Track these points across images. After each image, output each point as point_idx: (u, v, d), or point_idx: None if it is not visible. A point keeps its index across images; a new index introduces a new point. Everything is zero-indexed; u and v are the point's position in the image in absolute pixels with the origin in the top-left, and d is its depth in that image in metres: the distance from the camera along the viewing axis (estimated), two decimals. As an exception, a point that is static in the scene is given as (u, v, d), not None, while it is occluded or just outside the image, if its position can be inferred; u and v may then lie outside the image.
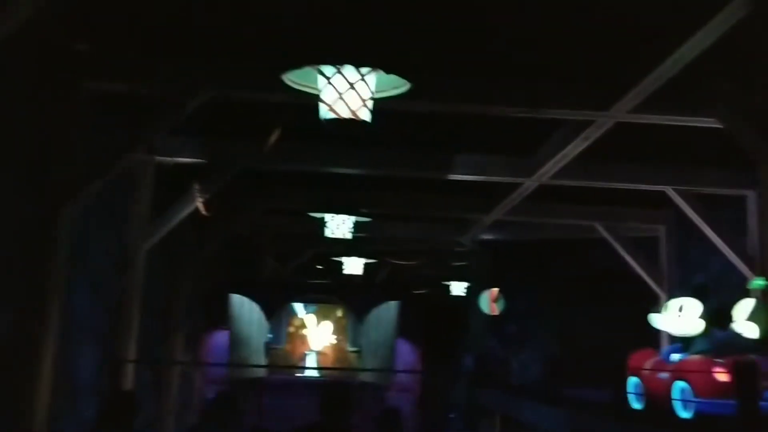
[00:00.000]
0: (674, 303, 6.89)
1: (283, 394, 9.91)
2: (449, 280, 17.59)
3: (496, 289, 13.62)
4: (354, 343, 10.85)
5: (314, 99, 4.81)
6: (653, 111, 6.15)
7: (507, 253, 14.52)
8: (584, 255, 13.66)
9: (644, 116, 6.34)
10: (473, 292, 14.52)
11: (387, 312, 10.68)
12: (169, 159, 8.00)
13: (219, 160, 8.21)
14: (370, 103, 4.73)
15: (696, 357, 6.40)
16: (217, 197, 8.90)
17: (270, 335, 10.57)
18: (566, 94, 6.24)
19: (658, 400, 6.36)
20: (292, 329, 11.27)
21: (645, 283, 11.79)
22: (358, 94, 4.67)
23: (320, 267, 16.19)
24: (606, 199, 11.09)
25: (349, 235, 9.95)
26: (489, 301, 13.70)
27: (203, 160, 8.11)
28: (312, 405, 4.54)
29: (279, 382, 10.34)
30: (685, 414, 6.09)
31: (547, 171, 8.53)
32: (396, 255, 15.07)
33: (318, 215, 10.12)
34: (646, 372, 6.80)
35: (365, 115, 4.72)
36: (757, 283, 7.15)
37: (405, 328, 10.88)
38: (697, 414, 5.93)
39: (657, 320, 7.16)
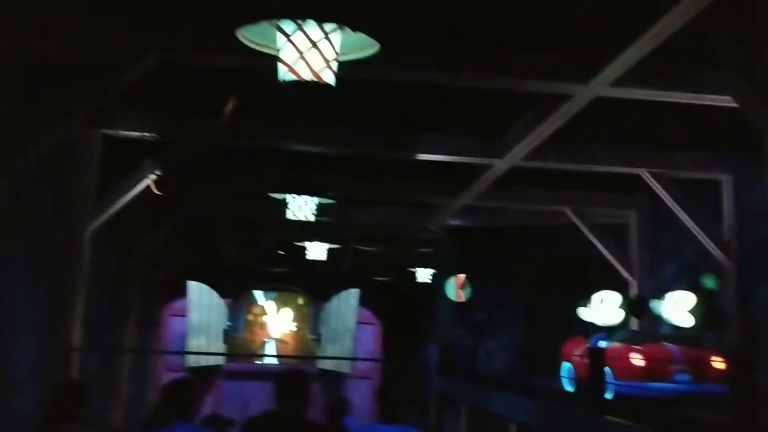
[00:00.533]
0: (597, 296, 7.63)
1: (241, 381, 9.72)
2: (415, 267, 17.26)
3: (462, 276, 13.26)
4: (314, 331, 10.62)
5: (273, 60, 4.27)
6: (638, 84, 5.71)
7: (474, 239, 14.16)
8: (553, 242, 13.38)
9: (628, 90, 5.93)
10: (439, 279, 14.14)
11: (347, 300, 10.54)
12: (116, 132, 7.41)
13: (171, 135, 7.63)
14: (334, 65, 4.21)
15: (616, 344, 6.99)
16: (171, 176, 8.34)
17: (229, 323, 10.38)
18: (545, 65, 5.81)
19: (586, 382, 6.76)
20: (251, 317, 11.07)
21: (615, 270, 11.56)
22: (322, 54, 4.14)
23: (282, 253, 15.64)
24: (577, 184, 10.77)
25: (311, 218, 9.46)
26: (456, 288, 13.34)
27: (154, 135, 7.52)
28: (270, 393, 4.43)
29: (237, 369, 10.10)
30: (608, 395, 6.55)
31: (519, 152, 8.14)
32: (361, 241, 14.60)
33: (279, 196, 9.60)
34: (576, 358, 7.34)
35: (329, 78, 4.19)
36: (708, 281, 7.47)
37: (366, 315, 10.74)
38: (617, 395, 6.49)
39: (583, 312, 7.80)
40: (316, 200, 9.46)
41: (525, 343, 11.45)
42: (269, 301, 11.00)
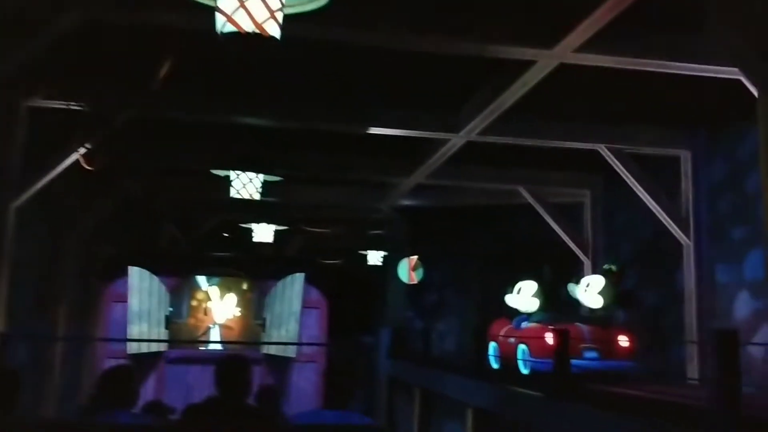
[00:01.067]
0: (517, 286, 8.18)
1: (184, 367, 9.52)
2: (365, 249, 16.91)
3: (415, 257, 12.93)
4: (259, 316, 10.26)
5: (213, 13, 3.86)
6: (603, 51, 5.39)
7: (426, 219, 13.84)
8: (508, 222, 13.15)
9: (594, 57, 5.61)
10: (390, 261, 13.79)
11: (293, 284, 10.10)
12: (39, 102, 6.77)
13: (100, 105, 7.02)
14: (279, 16, 3.85)
15: (534, 325, 7.57)
16: (103, 150, 7.72)
17: (171, 309, 9.97)
18: (506, 29, 5.44)
19: (508, 360, 7.53)
20: (194, 302, 10.54)
21: (570, 250, 11.38)
22: (265, 3, 3.78)
23: (226, 235, 15.07)
24: (531, 162, 10.53)
25: (257, 196, 8.96)
26: (408, 270, 13.01)
27: (82, 105, 6.90)
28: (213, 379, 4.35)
29: (180, 355, 9.81)
30: (525, 371, 7.19)
31: (477, 125, 7.81)
32: (309, 222, 14.14)
33: (222, 173, 9.07)
34: (501, 338, 8.02)
35: (273, 30, 3.82)
36: (608, 266, 7.93)
37: (312, 299, 10.32)
38: (533, 371, 7.03)
39: (507, 299, 8.33)
40: (261, 177, 8.96)
41: (478, 325, 11.17)
42: (213, 286, 10.56)
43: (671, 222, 8.33)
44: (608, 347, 7.25)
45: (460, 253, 14.06)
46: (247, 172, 8.78)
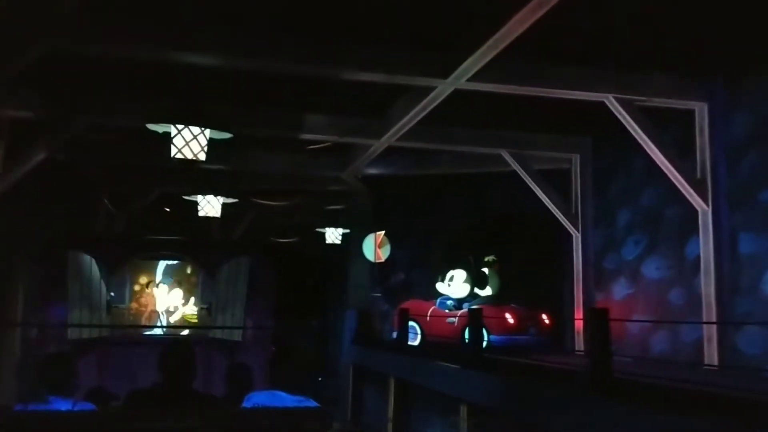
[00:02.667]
0: (449, 274, 9.64)
1: (126, 353, 9.31)
2: (324, 226, 15.57)
3: (381, 233, 11.64)
4: (204, 300, 10.03)
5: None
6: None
7: (392, 191, 12.60)
8: (483, 193, 11.97)
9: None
10: (353, 238, 12.48)
11: (238, 267, 9.89)
12: None
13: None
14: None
15: (482, 307, 8.02)
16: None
17: (112, 293, 9.76)
18: None
19: (442, 338, 8.74)
20: (137, 287, 10.26)
21: (554, 223, 10.29)
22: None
23: (168, 210, 13.54)
24: (515, 124, 9.37)
25: (202, 156, 7.52)
26: (373, 247, 11.73)
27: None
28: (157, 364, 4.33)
29: (122, 341, 9.54)
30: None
31: (467, 69, 6.55)
32: (262, 194, 12.71)
33: (160, 129, 7.59)
34: (430, 318, 9.26)
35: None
36: (490, 258, 9.65)
37: (259, 282, 9.99)
38: (489, 344, 8.09)
39: (438, 287, 9.70)
40: (207, 134, 7.53)
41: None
42: (156, 270, 10.26)
43: (685, 185, 7.24)
44: (539, 325, 9.02)
45: (430, 228, 12.85)
46: (190, 127, 7.34)
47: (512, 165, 9.58)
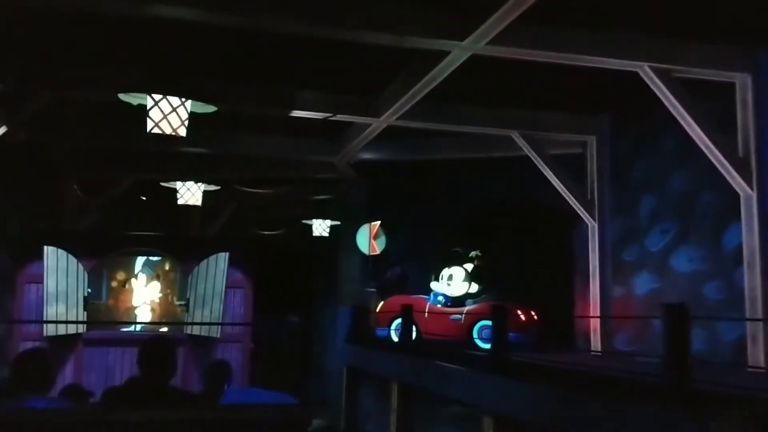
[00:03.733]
0: (445, 272, 9.18)
1: (103, 350, 9.26)
2: (311, 218, 14.71)
3: (377, 224, 10.78)
4: (182, 296, 9.82)
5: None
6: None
7: (386, 178, 11.74)
8: (488, 181, 11.14)
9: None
10: (346, 229, 11.61)
11: (216, 263, 9.63)
12: None
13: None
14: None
15: (488, 303, 8.13)
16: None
17: (89, 290, 9.50)
18: None
19: (442, 336, 8.21)
20: (114, 283, 10.06)
21: (562, 213, 9.53)
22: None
23: (144, 198, 12.58)
24: (527, 102, 8.55)
25: (182, 132, 6.64)
26: (368, 239, 10.87)
27: None
28: (134, 360, 4.26)
29: (99, 337, 9.42)
30: (487, 345, 7.42)
31: (485, 32, 5.70)
32: (247, 182, 11.80)
33: (134, 100, 6.69)
34: (427, 315, 8.82)
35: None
36: (474, 253, 9.15)
37: (237, 279, 9.76)
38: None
39: (434, 286, 9.22)
40: (188, 105, 6.64)
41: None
42: (134, 266, 10.03)
43: (726, 165, 6.46)
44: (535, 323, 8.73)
45: (426, 219, 11.99)
46: (168, 98, 6.46)
47: (523, 148, 8.76)
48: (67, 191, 11.69)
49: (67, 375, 8.66)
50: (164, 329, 9.67)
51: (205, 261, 9.53)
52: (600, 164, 8.79)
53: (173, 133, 6.57)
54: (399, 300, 9.49)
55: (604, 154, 8.80)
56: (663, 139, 7.89)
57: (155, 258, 9.88)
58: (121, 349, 9.10)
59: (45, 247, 9.12)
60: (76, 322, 9.06)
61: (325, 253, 17.81)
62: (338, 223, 14.78)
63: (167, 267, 9.90)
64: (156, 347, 4.26)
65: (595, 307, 8.63)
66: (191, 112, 6.75)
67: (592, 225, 8.76)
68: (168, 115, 6.53)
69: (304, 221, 15.02)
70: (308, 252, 17.86)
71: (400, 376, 7.23)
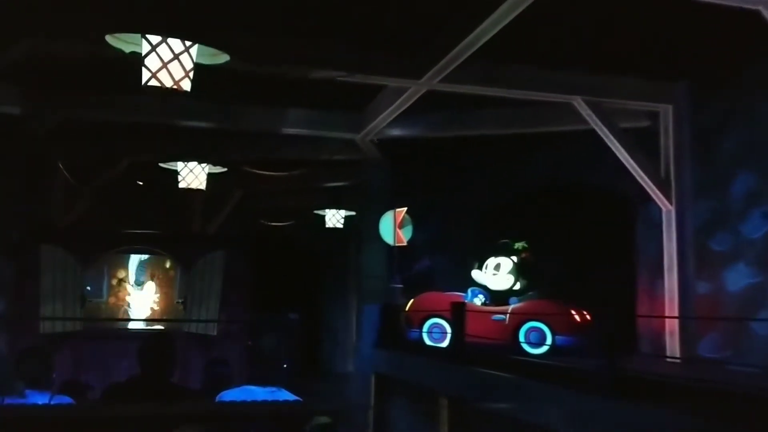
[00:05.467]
0: (491, 261, 8.00)
1: (102, 347, 9.47)
2: (324, 207, 13.36)
3: (402, 211, 9.43)
4: (181, 294, 10.03)
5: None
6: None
7: (416, 160, 10.41)
8: (534, 159, 9.80)
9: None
10: (368, 217, 10.25)
11: (213, 261, 10.06)
12: None
13: None
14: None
15: (536, 301, 7.61)
16: None
17: (89, 288, 9.83)
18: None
19: (482, 339, 6.91)
20: (115, 281, 10.36)
21: (626, 196, 8.27)
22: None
23: (141, 183, 11.26)
24: (594, 64, 7.22)
25: (186, 86, 5.31)
26: (393, 228, 9.52)
27: None
28: (133, 358, 4.37)
29: (98, 335, 9.67)
30: (536, 350, 7.16)
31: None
32: (256, 164, 10.45)
33: (126, 46, 5.33)
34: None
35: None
36: (520, 245, 7.97)
37: (236, 276, 10.08)
38: (555, 347, 7.01)
39: (475, 275, 8.08)
40: (194, 53, 5.30)
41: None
42: (134, 264, 10.33)
43: None
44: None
45: (457, 205, 10.65)
46: (169, 41, 5.12)
47: (586, 118, 7.41)
48: (54, 175, 10.37)
49: (64, 372, 8.49)
50: (159, 327, 9.75)
51: (202, 259, 9.73)
52: (678, 138, 7.46)
53: (175, 87, 5.23)
54: (432, 297, 8.56)
55: (684, 126, 7.47)
56: (761, 107, 6.55)
57: (145, 257, 9.89)
58: (119, 346, 9.13)
59: (41, 245, 9.37)
60: (73, 319, 9.22)
61: (336, 246, 16.64)
62: (353, 213, 13.53)
63: (168, 265, 9.85)
64: (157, 343, 4.24)
65: (672, 305, 7.31)
66: (197, 63, 5.41)
67: (668, 209, 7.43)
68: (168, 63, 5.19)
69: (316, 212, 13.68)
70: (317, 245, 16.64)
71: (451, 390, 5.89)
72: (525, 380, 4.69)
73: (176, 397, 4.14)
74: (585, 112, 7.37)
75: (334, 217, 13.66)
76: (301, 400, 4.13)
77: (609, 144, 7.42)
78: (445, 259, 10.62)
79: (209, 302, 9.61)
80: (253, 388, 4.17)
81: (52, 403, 4.09)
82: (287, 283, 14.88)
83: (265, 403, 4.02)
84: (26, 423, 3.66)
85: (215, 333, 9.57)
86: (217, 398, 4.40)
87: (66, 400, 4.36)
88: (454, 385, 5.74)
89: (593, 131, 7.87)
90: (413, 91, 7.38)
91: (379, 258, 10.07)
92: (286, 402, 4.11)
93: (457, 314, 6.05)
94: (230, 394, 4.28)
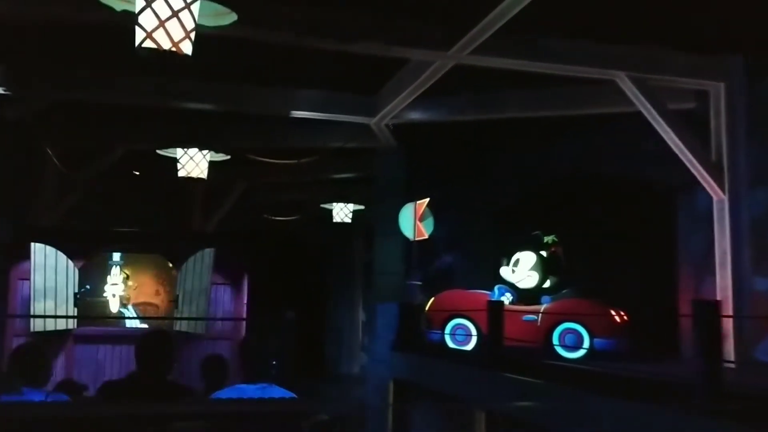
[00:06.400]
0: (515, 256, 7.46)
1: (95, 346, 9.38)
2: (331, 201, 12.65)
3: (424, 202, 8.69)
4: (172, 293, 9.66)
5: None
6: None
7: (433, 147, 9.68)
8: (564, 146, 9.07)
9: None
10: (383, 209, 9.51)
11: (202, 259, 9.49)
12: None
13: None
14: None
15: (572, 300, 7.06)
16: None
17: (87, 286, 9.43)
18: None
19: (512, 341, 6.14)
20: (109, 279, 9.73)
21: (665, 185, 7.57)
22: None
23: (138, 173, 10.52)
24: (636, 39, 6.49)
25: (186, 48, 4.57)
26: (413, 220, 8.78)
27: None
28: (126, 356, 4.95)
29: (91, 333, 9.44)
30: (571, 353, 6.59)
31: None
32: (263, 151, 9.70)
33: (117, 3, 4.60)
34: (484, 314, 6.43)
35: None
36: (550, 238, 7.47)
37: (228, 274, 9.68)
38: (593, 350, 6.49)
39: (502, 272, 7.58)
40: (195, 10, 4.56)
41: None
42: (127, 262, 9.76)
43: None
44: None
45: (478, 196, 9.90)
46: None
47: (630, 96, 6.69)
48: (44, 164, 9.64)
49: (57, 370, 8.42)
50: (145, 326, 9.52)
51: (192, 257, 9.34)
52: (731, 118, 6.75)
53: (173, 48, 4.49)
54: (455, 296, 7.95)
55: (738, 105, 6.76)
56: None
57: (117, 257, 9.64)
58: (111, 345, 9.21)
59: (32, 244, 9.01)
60: (71, 317, 9.11)
61: (342, 242, 15.97)
62: (362, 207, 12.85)
63: (170, 264, 9.55)
64: (153, 342, 4.23)
65: (725, 304, 6.58)
66: (199, 25, 4.68)
67: (720, 198, 6.71)
68: (166, 21, 4.46)
69: (322, 205, 12.97)
70: (322, 241, 15.96)
71: (489, 403, 5.14)
72: (594, 396, 3.94)
73: (173, 395, 4.13)
74: (629, 89, 6.64)
75: (342, 212, 12.96)
76: (295, 396, 4.05)
77: (655, 126, 6.69)
78: (463, 254, 9.88)
79: (199, 300, 9.27)
80: (244, 386, 4.14)
81: (48, 400, 4.12)
82: (290, 280, 14.20)
83: (262, 400, 3.98)
84: (21, 421, 3.56)
85: (203, 332, 9.27)
86: (212, 394, 4.40)
87: (62, 397, 4.42)
88: (493, 397, 4.99)
89: (628, 114, 7.20)
90: (439, 65, 6.65)
91: (394, 253, 9.34)
92: (283, 400, 4.06)
93: (494, 315, 5.31)
94: (222, 394, 4.25)
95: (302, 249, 15.80)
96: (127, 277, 9.61)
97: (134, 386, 4.05)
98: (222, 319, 9.55)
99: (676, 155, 6.85)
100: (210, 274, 9.30)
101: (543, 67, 6.51)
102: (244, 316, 9.80)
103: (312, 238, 15.98)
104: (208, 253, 9.38)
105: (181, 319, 9.33)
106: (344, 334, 16.85)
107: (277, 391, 4.10)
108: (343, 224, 13.06)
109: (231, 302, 9.78)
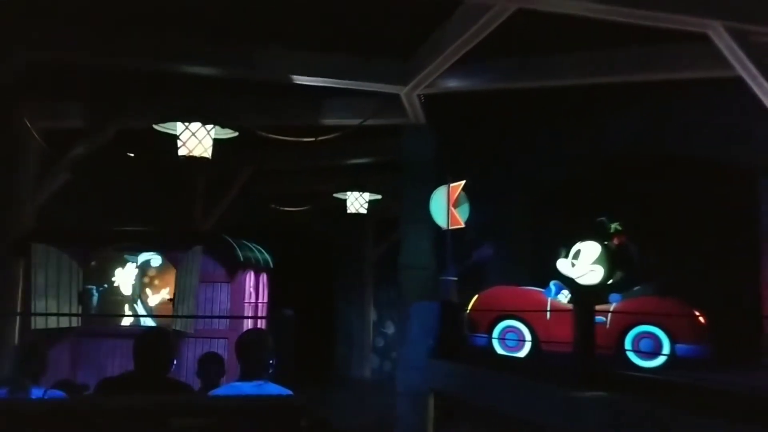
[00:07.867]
0: (574, 248, 6.68)
1: (96, 344, 9.28)
2: (345, 190, 11.50)
3: (459, 185, 7.54)
4: (170, 291, 9.60)
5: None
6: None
7: (466, 123, 8.54)
8: (621, 120, 7.91)
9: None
10: (410, 194, 8.36)
11: (193, 258, 9.13)
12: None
13: None
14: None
15: (647, 299, 6.31)
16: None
17: (97, 286, 9.33)
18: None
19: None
20: (116, 278, 9.70)
21: (745, 165, 6.47)
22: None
23: (132, 154, 9.38)
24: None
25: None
26: (446, 207, 7.63)
27: None
28: (127, 354, 4.40)
29: (93, 331, 9.38)
30: (652, 362, 5.98)
31: None
32: (274, 128, 8.52)
33: None
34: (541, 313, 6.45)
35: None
36: (613, 226, 6.59)
37: (223, 272, 9.24)
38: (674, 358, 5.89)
39: (560, 265, 6.73)
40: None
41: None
42: (132, 262, 9.67)
43: None
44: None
45: (520, 179, 8.74)
46: None
47: (725, 52, 5.51)
48: (26, 141, 8.51)
49: (58, 370, 8.21)
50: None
51: (185, 255, 9.15)
52: None
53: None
54: (504, 293, 6.95)
55: None
56: None
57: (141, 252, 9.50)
58: (114, 342, 9.15)
59: (32, 245, 8.97)
60: (76, 315, 9.17)
61: (353, 235, 15.01)
62: (378, 197, 11.76)
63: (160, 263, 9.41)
64: (151, 340, 4.24)
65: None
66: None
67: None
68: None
69: (335, 195, 11.84)
70: (333, 233, 14.97)
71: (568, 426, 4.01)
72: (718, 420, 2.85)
73: (171, 392, 4.12)
74: (726, 45, 5.47)
75: (357, 201, 11.79)
76: (291, 393, 3.93)
77: (757, 90, 5.52)
78: (501, 245, 8.74)
79: (189, 299, 9.15)
80: (240, 384, 4.12)
81: (46, 397, 4.15)
82: (297, 276, 13.16)
83: (261, 397, 3.95)
84: (18, 417, 3.51)
85: (192, 331, 9.08)
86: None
87: (59, 394, 4.44)
88: (583, 424, 3.85)
89: (704, 82, 6.09)
90: (494, 14, 5.48)
91: (424, 245, 8.22)
92: (280, 396, 3.99)
93: (583, 320, 4.14)
94: (219, 392, 4.24)
95: (310, 242, 14.83)
96: (143, 274, 9.46)
97: (132, 383, 4.07)
98: (221, 318, 9.38)
99: (761, 132, 5.73)
100: (198, 273, 9.03)
101: (625, 13, 5.34)
102: (244, 314, 9.43)
103: (323, 230, 14.97)
104: (197, 251, 9.01)
105: (179, 318, 9.01)
106: (354, 334, 15.86)
107: (273, 389, 4.07)
108: (356, 215, 11.96)
109: (228, 301, 9.55)
